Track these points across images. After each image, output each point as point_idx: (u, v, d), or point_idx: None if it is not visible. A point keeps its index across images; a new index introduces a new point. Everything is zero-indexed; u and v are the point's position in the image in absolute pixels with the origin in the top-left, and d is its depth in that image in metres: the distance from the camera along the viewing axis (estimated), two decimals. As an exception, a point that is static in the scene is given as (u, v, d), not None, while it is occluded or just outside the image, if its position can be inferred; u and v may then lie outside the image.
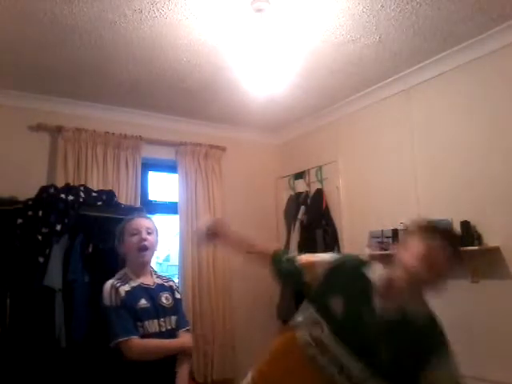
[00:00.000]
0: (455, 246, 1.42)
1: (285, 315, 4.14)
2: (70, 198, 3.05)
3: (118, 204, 3.38)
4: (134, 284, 2.05)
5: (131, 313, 1.96)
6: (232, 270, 4.22)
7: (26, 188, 3.09)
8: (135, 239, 2.09)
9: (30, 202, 2.96)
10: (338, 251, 3.85)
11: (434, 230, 1.41)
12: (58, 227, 2.91)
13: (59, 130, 3.62)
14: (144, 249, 2.09)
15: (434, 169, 3.16)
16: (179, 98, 3.73)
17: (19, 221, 2.88)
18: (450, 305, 2.98)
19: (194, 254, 4.04)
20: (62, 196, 3.03)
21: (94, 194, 3.25)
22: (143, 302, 2.01)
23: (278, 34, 2.57)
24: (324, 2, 2.42)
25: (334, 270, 1.47)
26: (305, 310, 1.53)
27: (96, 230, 3.09)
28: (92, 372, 2.68)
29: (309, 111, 4.13)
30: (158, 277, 2.20)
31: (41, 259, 2.83)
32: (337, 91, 3.67)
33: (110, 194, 3.35)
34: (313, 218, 4.01)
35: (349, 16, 2.56)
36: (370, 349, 1.34)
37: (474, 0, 2.44)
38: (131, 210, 3.39)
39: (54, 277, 2.82)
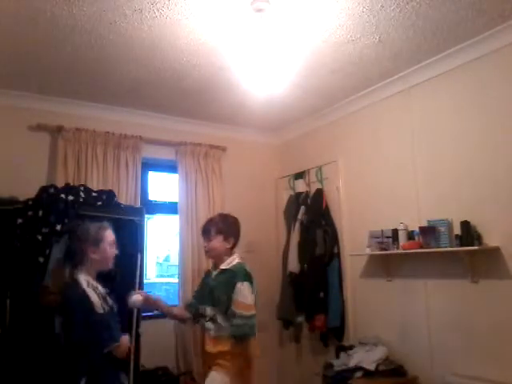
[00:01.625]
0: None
1: (285, 315, 4.15)
2: (70, 197, 3.05)
3: (118, 204, 3.38)
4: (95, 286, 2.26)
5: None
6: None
7: (25, 188, 3.09)
8: (113, 251, 2.34)
9: (30, 202, 2.96)
10: (338, 251, 3.86)
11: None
12: (58, 227, 2.91)
13: (59, 129, 3.62)
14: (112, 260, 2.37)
15: (433, 169, 3.16)
16: (179, 98, 3.73)
17: (19, 221, 2.89)
18: (450, 305, 3.00)
19: (194, 254, 4.04)
20: (62, 196, 3.03)
21: (94, 194, 3.25)
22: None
23: (278, 33, 2.57)
24: (324, 2, 2.42)
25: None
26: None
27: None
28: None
29: (309, 111, 4.13)
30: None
31: (41, 259, 2.83)
32: (337, 91, 3.67)
33: (110, 194, 3.35)
34: (313, 218, 4.01)
35: (349, 16, 2.56)
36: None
37: (474, 0, 2.44)
38: (131, 210, 3.40)
39: (54, 277, 2.83)
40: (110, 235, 2.36)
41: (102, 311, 2.15)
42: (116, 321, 2.26)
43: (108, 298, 2.28)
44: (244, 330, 2.37)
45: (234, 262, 2.57)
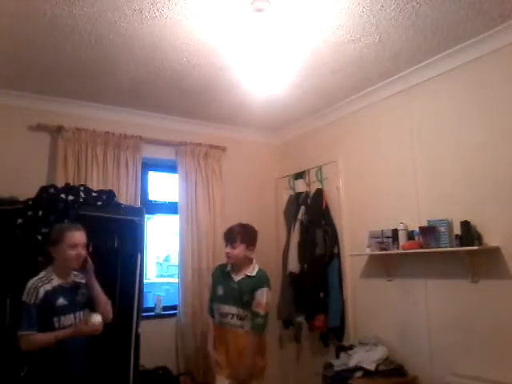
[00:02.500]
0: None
1: (285, 315, 4.15)
2: (70, 197, 3.06)
3: (118, 204, 3.38)
4: (55, 284, 2.35)
5: (49, 309, 2.28)
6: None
7: (25, 188, 3.09)
8: (73, 253, 2.37)
9: (30, 202, 2.96)
10: (338, 251, 3.86)
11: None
12: (58, 227, 2.91)
13: (59, 129, 3.63)
14: (78, 264, 2.42)
15: (433, 169, 3.16)
16: (179, 98, 3.73)
17: (19, 221, 2.89)
18: (450, 305, 3.00)
19: (194, 254, 4.04)
20: (62, 196, 3.03)
21: (94, 194, 3.25)
22: (61, 301, 2.34)
23: (278, 33, 2.57)
24: (324, 2, 2.42)
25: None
26: None
27: (96, 229, 3.09)
28: (92, 371, 2.68)
29: (309, 111, 4.13)
30: (76, 275, 2.49)
31: (41, 259, 2.83)
32: (337, 91, 3.67)
33: (110, 194, 3.35)
34: (313, 218, 4.01)
35: (349, 16, 2.56)
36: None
37: (474, 0, 2.44)
38: (131, 210, 3.40)
39: (54, 277, 2.82)
40: (72, 237, 2.39)
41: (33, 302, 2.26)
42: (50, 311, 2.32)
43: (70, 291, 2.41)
44: (262, 326, 2.93)
45: (256, 269, 3.02)
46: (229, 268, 3.05)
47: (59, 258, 2.39)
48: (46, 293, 2.28)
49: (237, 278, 2.99)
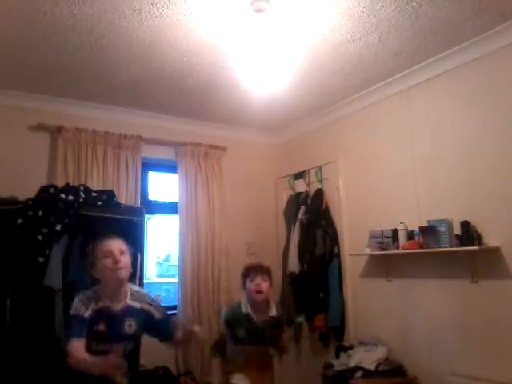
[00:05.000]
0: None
1: (285, 315, 4.14)
2: (70, 197, 3.05)
3: (118, 204, 3.38)
4: (101, 305, 2.02)
5: (88, 332, 1.94)
6: (232, 270, 4.22)
7: (26, 188, 3.09)
8: (109, 262, 2.02)
9: (30, 202, 2.96)
10: (338, 251, 3.86)
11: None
12: (58, 227, 2.91)
13: (59, 129, 3.63)
14: (123, 276, 2.05)
15: (433, 169, 3.16)
16: (179, 98, 3.73)
17: (19, 221, 2.89)
18: (450, 305, 3.00)
19: (194, 254, 4.04)
20: (62, 196, 3.03)
21: (94, 194, 3.25)
22: (101, 327, 2.00)
23: (278, 33, 2.57)
24: (324, 2, 2.42)
25: None
26: None
27: (96, 229, 3.09)
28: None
29: (309, 111, 4.13)
30: (133, 296, 2.13)
31: (41, 259, 2.83)
32: (337, 91, 3.67)
33: (110, 194, 3.35)
34: (313, 218, 4.01)
35: (349, 16, 2.56)
36: None
37: (474, 0, 2.44)
38: (131, 210, 3.40)
39: (54, 277, 2.83)
40: (104, 245, 2.07)
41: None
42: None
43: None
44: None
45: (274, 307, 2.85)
46: (246, 308, 2.77)
47: (101, 276, 2.05)
48: (91, 312, 1.98)
49: (260, 320, 2.76)
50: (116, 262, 2.01)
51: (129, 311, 2.09)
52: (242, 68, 2.56)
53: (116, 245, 2.08)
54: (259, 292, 2.73)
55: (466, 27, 2.71)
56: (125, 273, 2.05)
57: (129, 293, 2.12)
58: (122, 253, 2.06)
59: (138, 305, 2.13)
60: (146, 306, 2.16)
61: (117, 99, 3.74)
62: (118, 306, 2.06)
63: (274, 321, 2.81)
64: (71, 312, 1.97)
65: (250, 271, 2.79)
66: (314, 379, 3.62)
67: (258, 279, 2.73)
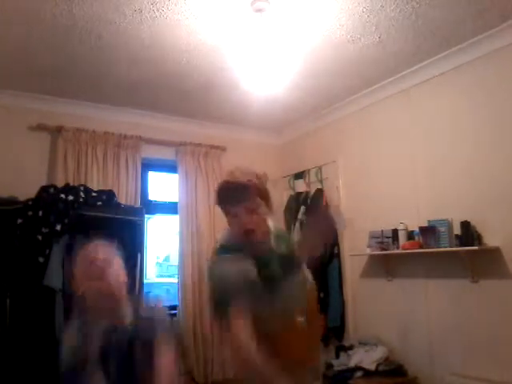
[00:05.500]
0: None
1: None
2: (70, 198, 3.06)
3: (118, 204, 3.38)
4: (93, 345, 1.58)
5: None
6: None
7: (26, 188, 3.09)
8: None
9: (30, 202, 2.97)
10: (338, 251, 3.86)
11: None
12: (58, 227, 2.91)
13: (59, 129, 3.62)
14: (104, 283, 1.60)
15: (433, 169, 3.16)
16: (179, 98, 3.73)
17: (19, 221, 2.89)
18: (450, 305, 3.00)
19: (194, 254, 4.04)
20: (62, 196, 3.04)
21: (93, 194, 3.25)
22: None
23: (277, 33, 2.57)
24: (324, 2, 2.42)
25: None
26: None
27: (96, 229, 3.09)
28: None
29: (309, 111, 4.13)
30: (136, 313, 1.69)
31: (41, 259, 2.83)
32: (337, 91, 3.67)
33: (110, 194, 3.35)
34: (313, 218, 4.01)
35: (349, 16, 2.56)
36: None
37: (474, 0, 2.44)
38: (131, 210, 3.40)
39: (54, 277, 2.83)
40: (87, 254, 1.64)
41: None
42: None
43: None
44: None
45: None
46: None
47: (83, 293, 1.60)
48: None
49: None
50: (101, 273, 1.59)
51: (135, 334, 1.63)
52: (242, 68, 2.56)
53: (103, 250, 1.67)
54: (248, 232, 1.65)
55: (466, 27, 2.71)
56: (115, 287, 1.63)
57: (130, 312, 1.67)
58: (109, 262, 1.64)
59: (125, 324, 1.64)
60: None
61: (117, 99, 3.74)
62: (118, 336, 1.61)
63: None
64: (62, 369, 1.56)
65: (222, 201, 1.72)
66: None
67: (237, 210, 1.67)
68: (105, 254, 1.65)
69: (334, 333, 3.78)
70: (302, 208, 4.13)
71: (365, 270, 3.67)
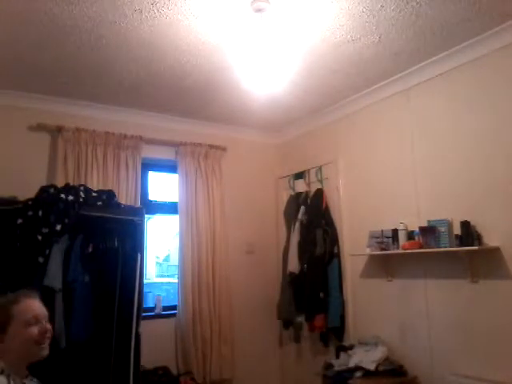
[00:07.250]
0: None
1: (285, 315, 4.15)
2: (70, 198, 3.05)
3: (118, 204, 3.38)
4: None
5: None
6: (232, 270, 4.22)
7: (26, 188, 3.09)
8: (34, 331, 1.54)
9: (30, 202, 2.96)
10: (338, 251, 3.86)
11: None
12: (58, 227, 2.91)
13: (59, 129, 3.63)
14: (45, 348, 1.59)
15: (433, 169, 3.16)
16: (179, 98, 3.73)
17: (19, 221, 2.88)
18: (450, 305, 3.00)
19: (194, 254, 4.04)
20: (62, 196, 3.03)
21: (94, 194, 3.25)
22: None
23: (277, 33, 2.58)
24: (324, 1, 2.42)
25: None
26: None
27: (96, 229, 3.09)
28: (91, 372, 2.68)
29: (309, 111, 4.13)
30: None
31: (41, 259, 2.83)
32: (337, 91, 3.67)
33: (110, 194, 3.35)
34: (313, 218, 4.01)
35: (349, 16, 2.56)
36: None
37: (474, 0, 2.44)
38: (131, 210, 3.40)
39: (54, 277, 2.83)
40: (27, 309, 1.57)
41: None
42: None
43: None
44: None
45: None
46: None
47: (12, 346, 1.52)
48: None
49: None
50: (44, 331, 1.57)
51: None
52: (242, 68, 2.56)
53: (42, 308, 1.62)
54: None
55: (466, 27, 2.71)
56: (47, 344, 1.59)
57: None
58: (47, 320, 1.62)
59: None
60: None
61: (117, 99, 3.74)
62: None
63: None
64: None
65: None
66: (314, 379, 3.63)
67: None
68: (43, 308, 1.63)
69: (334, 333, 3.78)
70: (302, 208, 4.13)
71: (365, 269, 3.67)
